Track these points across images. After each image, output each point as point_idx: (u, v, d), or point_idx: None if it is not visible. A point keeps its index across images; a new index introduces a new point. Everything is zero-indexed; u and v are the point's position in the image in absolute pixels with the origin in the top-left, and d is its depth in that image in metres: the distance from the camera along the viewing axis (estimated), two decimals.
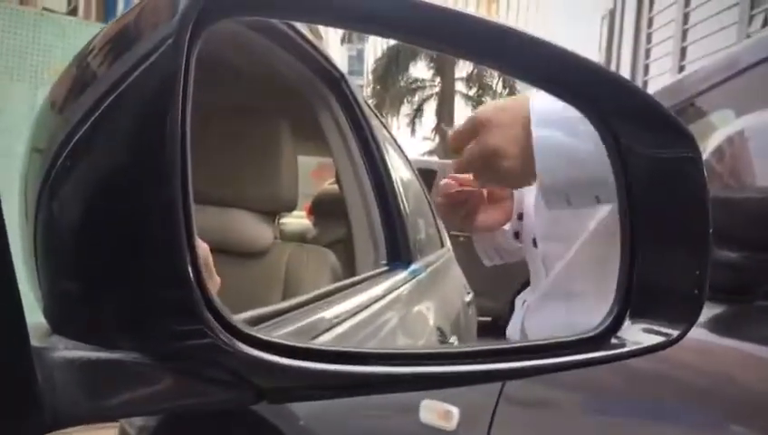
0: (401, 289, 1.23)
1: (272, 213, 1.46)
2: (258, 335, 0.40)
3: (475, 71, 18.06)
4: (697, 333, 0.60)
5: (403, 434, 1.19)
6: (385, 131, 1.64)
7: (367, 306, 0.97)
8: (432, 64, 18.61)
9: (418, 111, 18.95)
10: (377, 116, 1.59)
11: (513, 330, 1.12)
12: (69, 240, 0.39)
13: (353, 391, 0.49)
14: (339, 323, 0.81)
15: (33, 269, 0.41)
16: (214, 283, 0.48)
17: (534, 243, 1.06)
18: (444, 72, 18.67)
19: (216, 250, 0.49)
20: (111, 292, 0.38)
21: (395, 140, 1.85)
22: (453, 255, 2.25)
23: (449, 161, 1.07)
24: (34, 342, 0.35)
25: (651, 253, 0.61)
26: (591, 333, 0.59)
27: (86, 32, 3.44)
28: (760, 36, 1.75)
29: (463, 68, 18.16)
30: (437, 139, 18.04)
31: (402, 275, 1.28)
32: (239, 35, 1.00)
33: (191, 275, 0.36)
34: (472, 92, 19.16)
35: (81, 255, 0.39)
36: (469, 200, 1.03)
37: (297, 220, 2.92)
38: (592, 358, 0.57)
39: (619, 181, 0.64)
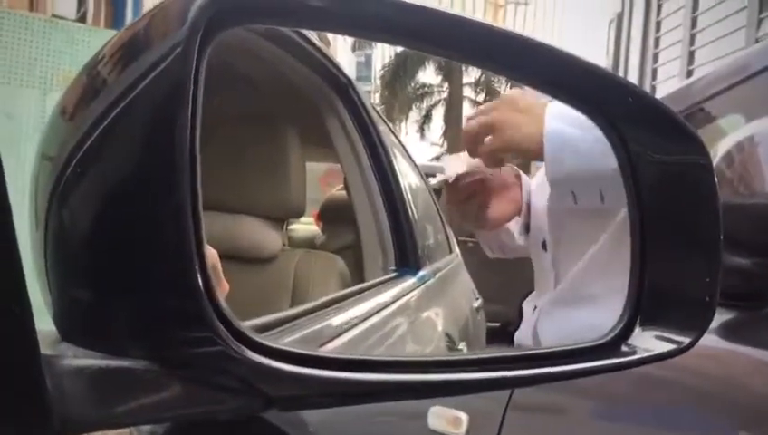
0: (410, 295, 1.23)
1: (280, 219, 1.46)
2: (267, 343, 0.40)
3: (483, 76, 18.03)
4: (708, 340, 0.60)
5: None
6: (393, 137, 1.64)
7: (375, 313, 0.97)
8: (440, 70, 18.61)
9: (427, 117, 18.94)
10: (384, 122, 1.59)
11: (522, 335, 1.11)
12: (79, 247, 0.39)
13: (362, 398, 0.49)
14: (347, 330, 0.81)
15: (42, 276, 0.41)
16: (222, 289, 0.48)
17: (544, 246, 1.06)
18: (452, 77, 18.65)
19: (224, 256, 0.49)
20: (120, 299, 0.38)
21: (403, 146, 1.85)
22: (461, 260, 2.24)
23: (451, 156, 1.08)
24: (44, 349, 0.35)
25: (662, 259, 0.61)
26: (602, 341, 0.59)
27: (95, 38, 3.46)
28: None
29: (471, 73, 18.16)
30: (446, 144, 18.03)
31: (411, 281, 1.28)
32: (247, 42, 1.01)
33: (200, 282, 0.36)
34: (480, 98, 19.13)
35: (90, 262, 0.39)
36: (478, 193, 1.03)
37: (305, 226, 2.93)
38: (602, 366, 0.57)
39: (629, 187, 0.64)
